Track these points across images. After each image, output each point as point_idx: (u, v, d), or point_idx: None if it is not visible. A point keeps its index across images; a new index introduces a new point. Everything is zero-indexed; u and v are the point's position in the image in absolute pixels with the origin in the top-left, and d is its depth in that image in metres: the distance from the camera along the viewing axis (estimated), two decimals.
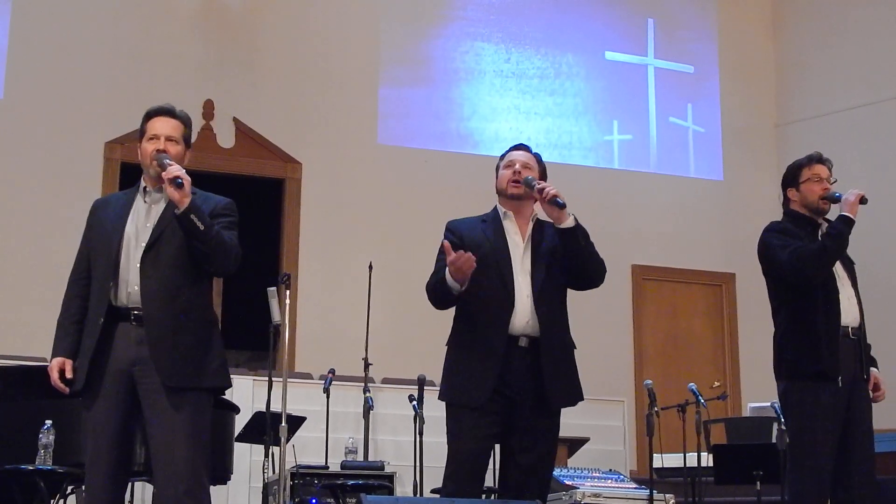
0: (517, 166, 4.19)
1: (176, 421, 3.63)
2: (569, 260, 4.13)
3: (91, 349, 3.67)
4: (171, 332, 3.67)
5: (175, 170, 3.65)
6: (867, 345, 4.53)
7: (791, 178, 4.63)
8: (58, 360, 3.74)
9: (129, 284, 3.70)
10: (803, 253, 4.37)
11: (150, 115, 3.87)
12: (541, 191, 4.06)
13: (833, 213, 4.56)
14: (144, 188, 3.85)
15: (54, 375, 3.71)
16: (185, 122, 3.91)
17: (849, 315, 4.43)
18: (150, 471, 4.54)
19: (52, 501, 4.95)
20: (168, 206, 3.76)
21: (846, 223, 4.42)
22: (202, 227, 3.65)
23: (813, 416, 4.33)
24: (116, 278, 3.71)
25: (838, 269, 4.50)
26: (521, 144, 4.35)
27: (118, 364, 3.67)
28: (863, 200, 4.45)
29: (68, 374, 3.72)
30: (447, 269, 3.99)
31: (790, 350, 4.44)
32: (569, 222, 4.08)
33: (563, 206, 4.04)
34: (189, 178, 3.65)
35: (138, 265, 3.70)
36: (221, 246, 3.73)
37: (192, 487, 3.62)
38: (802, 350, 4.38)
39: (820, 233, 4.53)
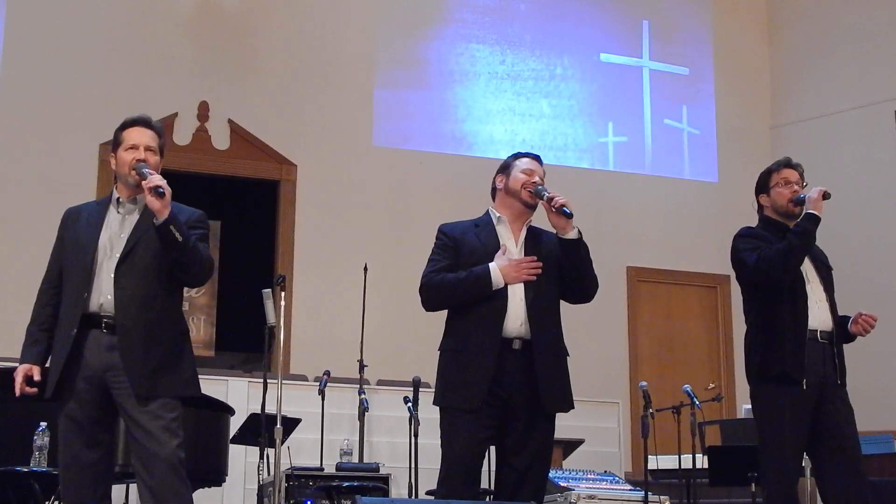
0: (536, 178, 4.21)
1: (150, 422, 3.64)
2: (567, 271, 4.15)
3: (63, 358, 3.68)
4: (144, 342, 3.69)
5: (157, 179, 3.66)
6: (841, 350, 4.50)
7: (762, 184, 4.64)
8: (24, 367, 3.75)
9: (103, 294, 3.71)
10: (769, 253, 4.38)
11: (125, 126, 3.88)
12: (550, 199, 4.07)
13: None
14: (118, 199, 3.86)
15: (19, 380, 3.72)
16: (160, 132, 3.93)
17: (817, 319, 4.42)
18: None
19: (46, 503, 4.95)
20: (143, 217, 3.78)
21: (811, 220, 4.42)
22: (180, 238, 3.67)
23: (779, 419, 4.34)
24: (90, 288, 3.72)
25: (810, 273, 4.50)
26: (538, 156, 4.35)
27: (89, 370, 3.69)
28: (825, 196, 4.45)
29: (36, 378, 3.73)
30: (498, 266, 4.04)
31: (757, 352, 4.46)
32: (573, 234, 4.10)
33: (570, 216, 4.06)
34: (170, 189, 3.67)
35: (112, 275, 3.71)
36: (197, 256, 3.75)
37: (173, 483, 3.63)
38: (768, 352, 4.39)
39: None
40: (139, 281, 3.72)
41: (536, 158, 4.32)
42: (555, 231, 4.17)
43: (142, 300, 3.71)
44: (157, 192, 3.62)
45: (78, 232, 3.83)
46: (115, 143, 3.88)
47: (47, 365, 3.78)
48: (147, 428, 3.64)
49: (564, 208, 4.05)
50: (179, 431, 3.70)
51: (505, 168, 4.30)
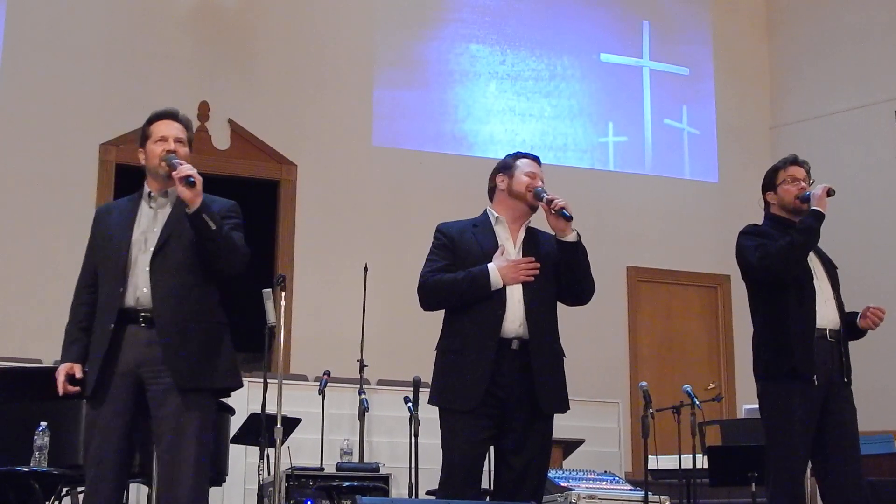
0: (539, 182, 4.20)
1: (183, 421, 3.63)
2: (564, 273, 4.14)
3: (101, 354, 3.66)
4: (183, 334, 3.67)
5: (187, 169, 3.66)
6: (847, 349, 4.49)
7: (769, 181, 4.64)
8: (65, 366, 3.73)
9: (139, 288, 3.70)
10: (772, 249, 4.38)
11: (153, 119, 3.88)
12: (549, 201, 4.07)
13: None
14: (149, 193, 3.84)
15: (61, 379, 3.70)
16: (188, 125, 3.93)
17: (826, 317, 4.42)
18: (145, 473, 4.57)
19: (46, 503, 4.94)
20: (175, 209, 3.77)
21: (815, 217, 4.42)
22: (214, 227, 3.66)
23: (787, 417, 4.33)
24: (125, 283, 3.70)
25: (818, 270, 4.50)
26: (538, 157, 4.34)
27: (125, 366, 3.67)
28: (830, 193, 4.45)
29: (78, 376, 3.71)
30: (497, 266, 4.03)
31: (765, 350, 4.45)
32: (572, 236, 4.10)
33: (569, 219, 4.06)
34: (200, 178, 3.65)
35: (147, 269, 3.70)
36: (231, 245, 3.75)
37: (194, 488, 3.62)
38: (777, 349, 4.38)
39: None
40: (175, 273, 3.71)
41: (536, 159, 4.31)
42: (553, 233, 4.16)
43: (178, 292, 3.69)
44: (188, 181, 3.62)
45: (110, 229, 3.81)
46: (144, 138, 3.87)
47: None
48: (178, 427, 3.62)
49: (564, 211, 4.04)
50: (210, 434, 3.70)
51: (506, 169, 4.27)
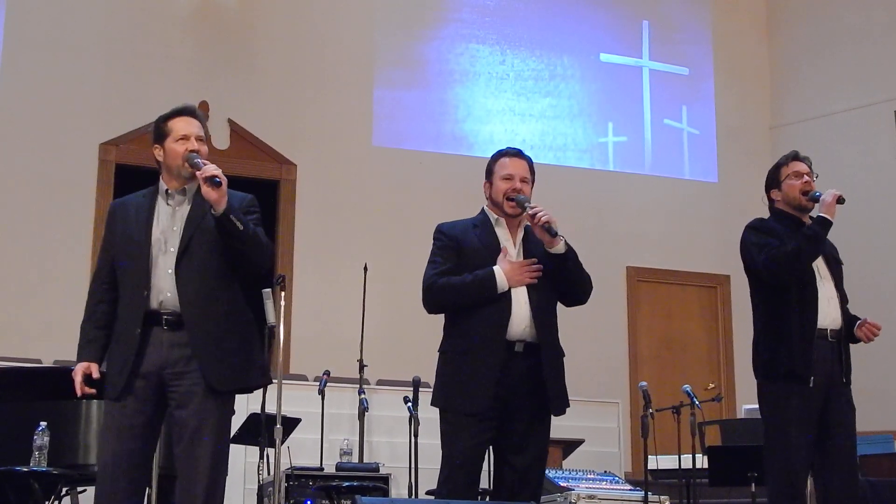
0: (517, 182, 4.14)
1: (204, 421, 3.60)
2: (558, 280, 4.13)
3: (130, 358, 3.61)
4: (215, 336, 3.64)
5: (212, 169, 3.60)
6: (848, 348, 4.47)
7: (772, 179, 4.62)
8: (82, 365, 3.68)
9: (162, 291, 3.65)
10: (778, 255, 4.36)
11: (170, 116, 3.80)
12: (533, 216, 4.02)
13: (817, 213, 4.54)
14: (166, 190, 3.78)
15: (79, 380, 3.66)
16: (203, 122, 3.87)
17: (827, 317, 4.40)
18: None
19: (46, 503, 4.94)
20: (194, 208, 3.72)
21: (822, 225, 4.40)
22: (241, 227, 3.61)
23: (785, 417, 4.32)
24: (149, 285, 3.65)
25: (821, 269, 4.48)
26: (519, 151, 4.29)
27: (148, 367, 3.63)
28: (840, 201, 4.42)
29: (95, 376, 3.67)
30: (502, 270, 4.01)
31: (765, 349, 4.44)
32: (559, 248, 4.07)
33: (555, 235, 4.02)
34: (226, 178, 3.60)
35: (170, 271, 3.66)
36: (258, 243, 3.70)
37: (209, 486, 3.60)
38: (776, 349, 4.37)
39: None
40: (200, 274, 3.65)
41: (517, 155, 4.24)
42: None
43: (205, 293, 3.65)
44: (213, 182, 3.56)
45: (128, 227, 3.75)
46: (161, 134, 3.78)
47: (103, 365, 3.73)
48: (198, 427, 3.59)
49: (550, 227, 4.00)
50: (228, 432, 3.69)
51: (488, 175, 4.23)
